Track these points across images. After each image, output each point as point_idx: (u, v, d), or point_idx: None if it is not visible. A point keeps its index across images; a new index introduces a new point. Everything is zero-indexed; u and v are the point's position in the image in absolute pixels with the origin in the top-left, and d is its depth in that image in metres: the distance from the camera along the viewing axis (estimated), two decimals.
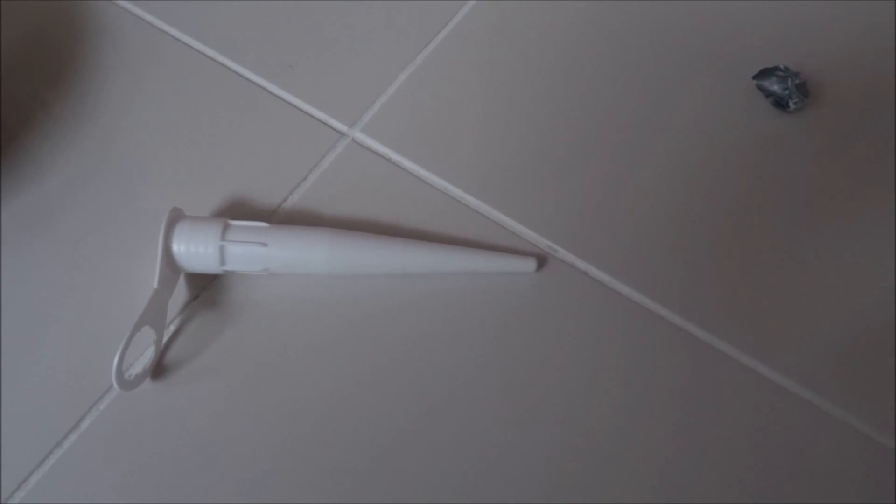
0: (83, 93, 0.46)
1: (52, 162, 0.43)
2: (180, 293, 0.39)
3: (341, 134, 0.44)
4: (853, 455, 0.35)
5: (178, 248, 0.37)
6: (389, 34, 0.48)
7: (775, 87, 0.43)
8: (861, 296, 0.38)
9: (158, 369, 0.37)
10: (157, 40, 0.48)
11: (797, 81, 0.43)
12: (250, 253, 0.37)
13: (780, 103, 0.43)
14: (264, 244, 0.37)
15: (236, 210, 0.42)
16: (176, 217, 0.38)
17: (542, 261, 0.39)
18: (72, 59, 0.47)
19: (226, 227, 0.38)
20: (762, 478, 0.34)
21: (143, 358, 0.37)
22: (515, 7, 0.49)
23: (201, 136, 0.44)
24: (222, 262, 0.37)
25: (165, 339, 0.38)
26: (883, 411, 0.36)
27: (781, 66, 0.44)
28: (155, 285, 0.36)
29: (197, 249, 0.37)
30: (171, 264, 0.37)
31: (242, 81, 0.46)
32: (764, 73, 0.44)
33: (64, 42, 0.48)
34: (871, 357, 0.37)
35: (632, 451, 0.35)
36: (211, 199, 0.42)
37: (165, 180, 0.42)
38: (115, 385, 0.34)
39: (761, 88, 0.44)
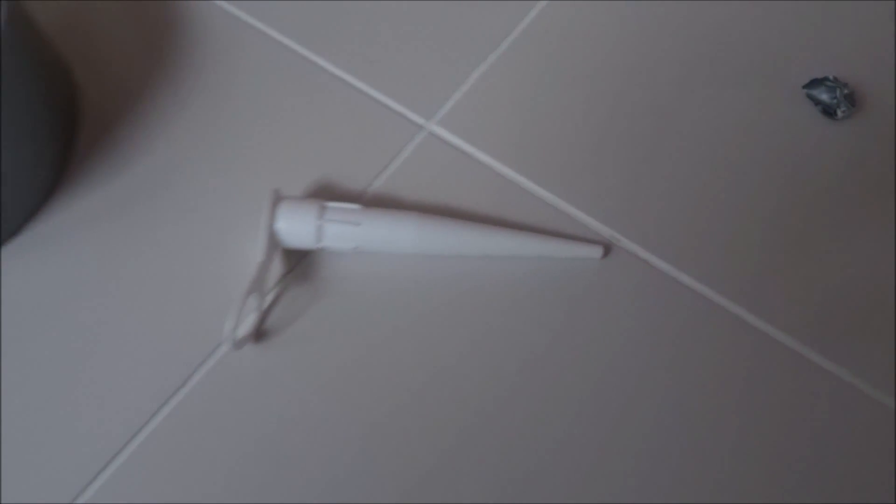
0: (184, 84, 0.49)
1: (156, 145, 0.47)
2: (277, 265, 0.43)
3: (419, 126, 0.48)
4: None
5: (280, 225, 0.41)
6: (464, 34, 0.51)
7: (824, 97, 0.47)
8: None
9: (259, 333, 0.41)
10: (251, 37, 0.52)
11: (846, 92, 0.46)
12: (345, 231, 0.41)
13: (828, 112, 0.47)
14: (358, 224, 0.41)
15: (324, 193, 0.45)
16: (277, 197, 0.42)
17: (607, 249, 0.43)
18: (174, 53, 0.51)
19: (322, 208, 0.41)
20: (823, 476, 0.38)
21: (247, 323, 0.41)
22: (583, 8, 0.52)
23: (292, 125, 0.48)
24: (318, 240, 0.41)
25: (266, 306, 0.42)
26: None
27: (830, 77, 0.47)
28: (260, 258, 0.40)
29: (297, 227, 0.41)
30: (272, 240, 0.41)
31: (329, 76, 0.50)
32: (814, 83, 0.47)
33: (167, 38, 0.52)
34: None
35: (684, 435, 0.39)
36: (301, 183, 0.46)
37: (260, 164, 0.46)
38: (227, 346, 0.38)
39: (811, 97, 0.47)
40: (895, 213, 0.44)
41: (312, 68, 0.50)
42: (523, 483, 0.37)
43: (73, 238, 0.44)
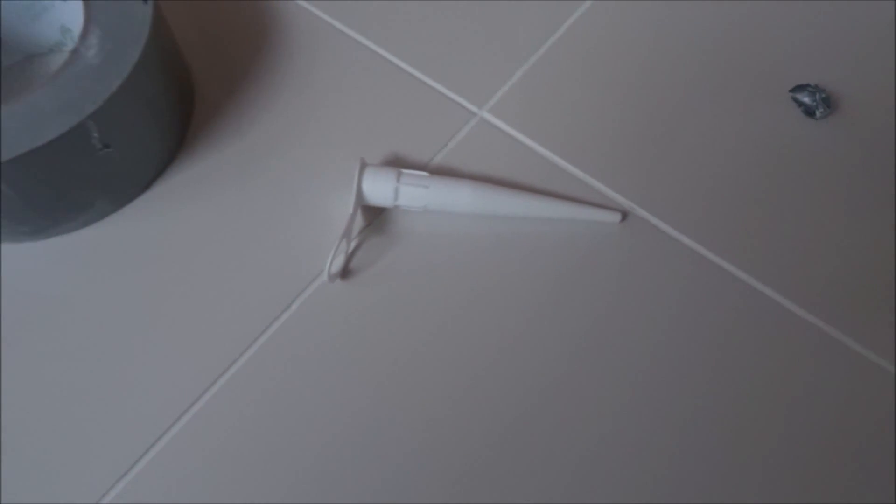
0: (280, 73, 0.60)
1: (259, 123, 0.58)
2: (359, 220, 0.53)
3: (473, 113, 0.58)
4: None
5: (366, 186, 0.51)
6: (512, 33, 0.62)
7: (806, 99, 0.57)
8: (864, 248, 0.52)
9: (345, 272, 0.52)
10: (332, 35, 0.62)
11: (823, 95, 0.56)
12: (416, 193, 0.52)
13: (809, 112, 0.57)
14: (427, 187, 0.52)
15: (396, 163, 0.56)
16: (364, 164, 0.52)
17: (624, 215, 0.53)
18: (271, 47, 0.62)
19: (399, 174, 0.52)
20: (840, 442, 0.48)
21: (337, 263, 0.51)
22: (623, 10, 0.63)
23: (368, 108, 0.58)
24: (395, 199, 0.52)
25: (350, 250, 0.52)
26: None
27: (811, 83, 0.57)
28: (351, 210, 0.50)
29: (379, 188, 0.51)
30: (359, 197, 0.52)
31: (396, 69, 0.60)
32: (798, 88, 0.57)
33: (264, 34, 0.62)
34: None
35: (694, 395, 0.49)
36: (377, 155, 0.56)
37: (344, 140, 0.57)
38: (326, 277, 0.49)
39: (795, 100, 0.57)
40: (863, 192, 0.54)
41: (383, 62, 0.61)
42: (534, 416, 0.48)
43: (193, 193, 0.55)
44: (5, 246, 0.52)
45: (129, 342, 0.49)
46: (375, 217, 0.54)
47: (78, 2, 0.53)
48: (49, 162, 0.47)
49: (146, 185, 0.55)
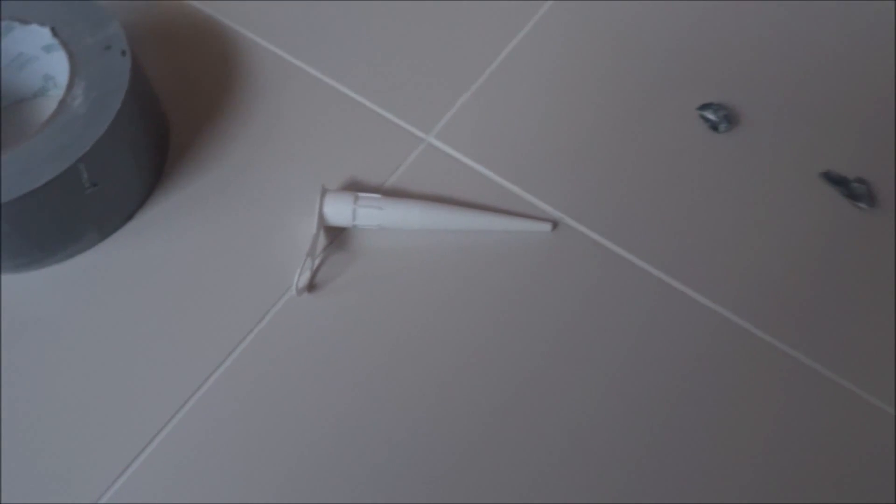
0: (245, 107, 0.67)
1: (228, 154, 0.64)
2: (322, 239, 0.60)
3: (421, 139, 0.66)
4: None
5: (327, 209, 0.58)
6: (456, 64, 0.69)
7: (711, 116, 0.65)
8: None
9: (312, 286, 0.58)
10: (293, 72, 0.69)
11: (725, 113, 0.65)
12: (372, 213, 0.59)
13: (714, 127, 0.65)
14: (381, 208, 0.59)
15: (353, 187, 0.63)
16: (325, 190, 0.59)
17: (555, 224, 0.61)
18: (236, 83, 0.68)
19: (356, 197, 0.59)
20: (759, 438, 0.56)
21: (304, 278, 0.58)
22: (549, 41, 0.70)
23: (327, 137, 0.65)
24: (354, 219, 0.59)
25: (315, 266, 0.59)
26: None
27: (716, 102, 0.66)
28: (314, 231, 0.57)
29: (339, 210, 0.58)
30: (321, 220, 0.59)
31: (350, 100, 0.67)
32: (704, 106, 0.66)
33: (230, 71, 0.69)
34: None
35: (618, 396, 0.57)
36: (338, 180, 0.63)
37: (306, 167, 0.64)
38: (294, 291, 0.56)
39: (702, 116, 0.66)
40: (762, 192, 0.63)
41: (340, 96, 0.68)
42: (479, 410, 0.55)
43: (171, 221, 0.61)
44: (5, 276, 0.59)
45: (118, 357, 0.56)
46: (337, 236, 0.61)
47: (60, 53, 0.59)
48: (44, 201, 0.53)
49: (129, 216, 0.61)
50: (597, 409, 0.54)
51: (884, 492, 0.51)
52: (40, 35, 0.60)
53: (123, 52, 0.58)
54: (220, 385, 0.55)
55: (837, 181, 0.62)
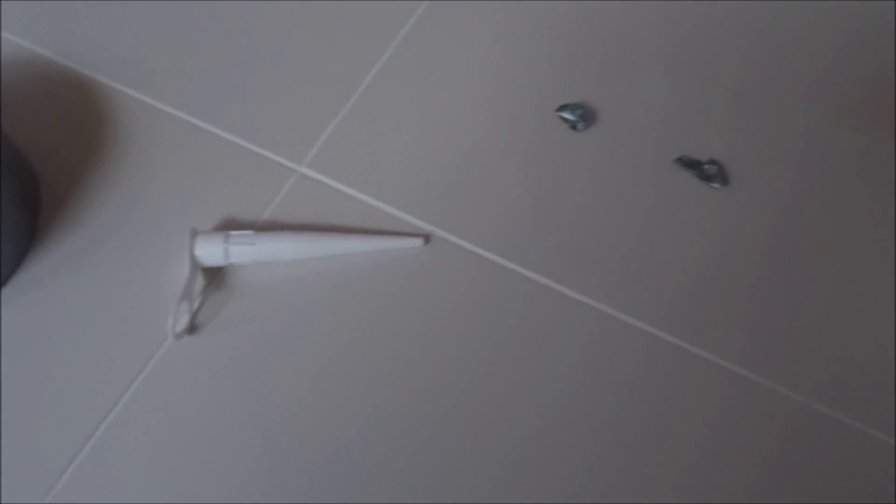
0: (114, 157, 0.67)
1: (100, 207, 0.65)
2: (200, 280, 0.61)
3: (293, 170, 0.67)
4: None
5: (199, 251, 0.59)
6: (321, 92, 0.71)
7: (569, 116, 0.68)
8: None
9: (192, 328, 0.59)
10: (157, 116, 0.70)
11: (582, 112, 0.67)
12: (245, 250, 0.60)
13: (573, 126, 0.68)
14: (253, 244, 0.60)
15: (229, 225, 0.64)
16: (195, 232, 0.60)
17: (427, 238, 0.63)
18: (100, 136, 0.69)
19: (227, 236, 0.60)
20: (620, 418, 0.58)
21: (182, 322, 0.59)
22: (409, 63, 0.72)
23: (200, 178, 0.66)
24: (227, 258, 0.60)
25: (194, 309, 0.60)
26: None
27: (573, 102, 0.68)
28: (186, 275, 0.58)
29: (210, 251, 0.59)
30: (194, 262, 0.59)
31: (220, 139, 0.68)
32: (562, 107, 0.68)
33: (93, 123, 0.69)
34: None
35: (499, 400, 0.59)
36: (212, 220, 0.64)
37: (180, 210, 0.64)
38: (170, 337, 0.57)
39: (561, 117, 0.68)
40: (615, 188, 0.65)
41: (208, 135, 0.69)
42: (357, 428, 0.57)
43: (47, 282, 0.61)
44: None
45: (2, 421, 0.56)
46: (215, 276, 0.62)
47: None
48: None
49: (3, 283, 0.61)
50: (482, 408, 0.56)
51: (798, 482, 0.54)
52: None
53: None
54: (105, 439, 0.55)
55: (691, 165, 0.66)
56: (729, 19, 0.75)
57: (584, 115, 0.68)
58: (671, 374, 0.57)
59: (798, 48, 0.73)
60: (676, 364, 0.58)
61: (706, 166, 0.65)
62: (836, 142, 0.67)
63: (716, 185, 0.65)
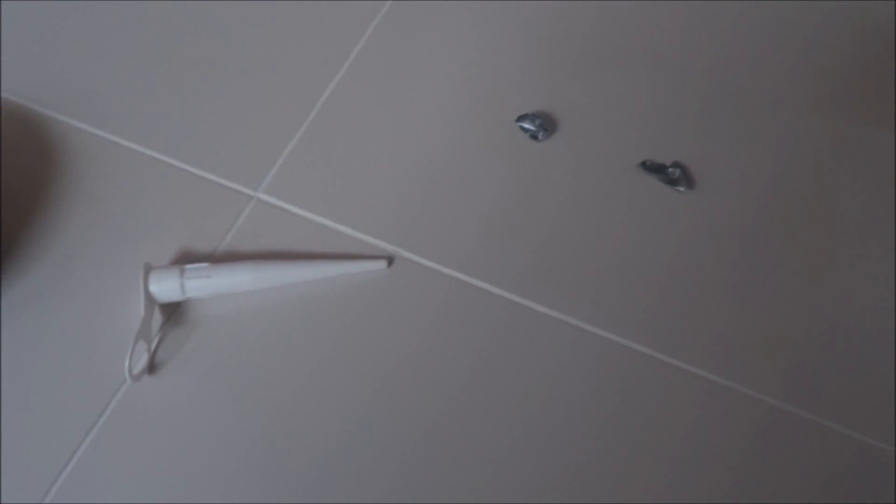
0: (67, 194, 0.65)
1: (53, 244, 0.63)
2: (157, 316, 0.59)
3: (250, 196, 0.65)
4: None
5: (153, 287, 0.57)
6: (275, 114, 0.69)
7: (529, 126, 0.66)
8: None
9: (152, 367, 0.57)
10: (107, 147, 0.68)
11: (541, 121, 0.66)
12: (202, 284, 0.58)
13: (534, 136, 0.67)
14: (209, 276, 0.58)
15: (186, 258, 0.62)
16: (149, 267, 0.58)
17: (390, 260, 0.61)
18: (49, 173, 0.67)
19: (182, 270, 0.58)
20: (591, 427, 0.57)
21: (140, 362, 0.57)
22: (369, 79, 0.71)
23: (154, 211, 0.64)
24: (183, 293, 0.58)
25: (153, 347, 0.58)
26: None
27: (532, 112, 0.67)
28: (142, 313, 0.56)
29: (166, 287, 0.57)
30: (150, 299, 0.57)
31: (174, 168, 0.66)
32: (521, 118, 0.67)
33: (40, 162, 0.67)
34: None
35: (471, 420, 0.57)
36: (168, 253, 0.62)
37: (134, 245, 0.62)
38: (128, 379, 0.54)
39: (521, 127, 0.67)
40: (576, 193, 0.64)
41: (158, 164, 0.67)
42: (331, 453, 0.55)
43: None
44: None
45: None
46: (173, 311, 0.60)
47: None
48: None
49: None
50: (458, 433, 0.55)
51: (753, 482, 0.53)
52: None
53: None
54: (65, 491, 0.53)
55: (655, 169, 0.65)
56: (685, 21, 0.74)
57: (544, 125, 0.67)
58: (646, 384, 0.56)
59: (759, 46, 0.72)
60: (651, 374, 0.57)
61: (670, 170, 0.64)
62: (804, 138, 0.67)
63: (681, 189, 0.64)
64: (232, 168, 0.67)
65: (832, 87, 0.70)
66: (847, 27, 0.73)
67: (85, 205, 0.65)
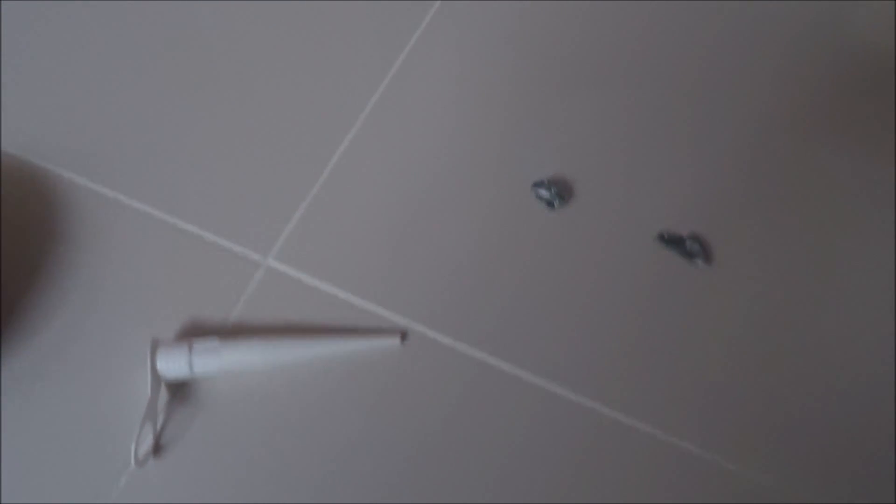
0: (71, 258, 0.63)
1: (55, 314, 0.61)
2: (163, 393, 0.57)
3: (258, 263, 0.64)
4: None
5: (161, 366, 0.55)
6: (285, 178, 0.67)
7: (544, 193, 0.65)
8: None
9: (157, 448, 0.55)
10: (113, 208, 0.66)
11: (557, 189, 0.65)
12: (210, 361, 0.56)
13: (549, 204, 0.65)
14: (219, 353, 0.56)
15: (193, 329, 0.60)
16: (156, 344, 0.56)
17: (404, 335, 0.60)
18: (52, 237, 0.65)
19: (191, 347, 0.56)
20: None
21: (145, 442, 0.55)
22: (378, 142, 0.69)
23: (160, 278, 0.63)
24: (192, 371, 0.56)
25: (158, 428, 0.56)
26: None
27: (547, 178, 0.66)
28: (148, 392, 0.55)
29: (173, 365, 0.56)
30: (156, 377, 0.56)
31: (180, 232, 0.65)
32: (537, 184, 0.66)
33: (42, 225, 0.65)
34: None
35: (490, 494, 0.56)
36: (175, 324, 0.60)
37: (140, 315, 0.61)
38: (133, 464, 0.53)
39: (536, 194, 0.66)
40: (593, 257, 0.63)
41: (168, 227, 0.65)
42: None
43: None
44: None
45: None
46: (179, 389, 0.58)
47: None
48: None
49: None
50: None
51: None
52: None
53: None
54: None
55: (672, 241, 0.64)
56: (703, 91, 0.73)
57: (560, 192, 0.65)
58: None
59: (771, 112, 0.72)
60: (667, 459, 0.55)
61: (688, 242, 0.63)
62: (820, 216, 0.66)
63: (699, 263, 0.63)
64: (241, 231, 0.65)
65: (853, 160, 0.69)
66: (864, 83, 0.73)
67: (89, 270, 0.63)
